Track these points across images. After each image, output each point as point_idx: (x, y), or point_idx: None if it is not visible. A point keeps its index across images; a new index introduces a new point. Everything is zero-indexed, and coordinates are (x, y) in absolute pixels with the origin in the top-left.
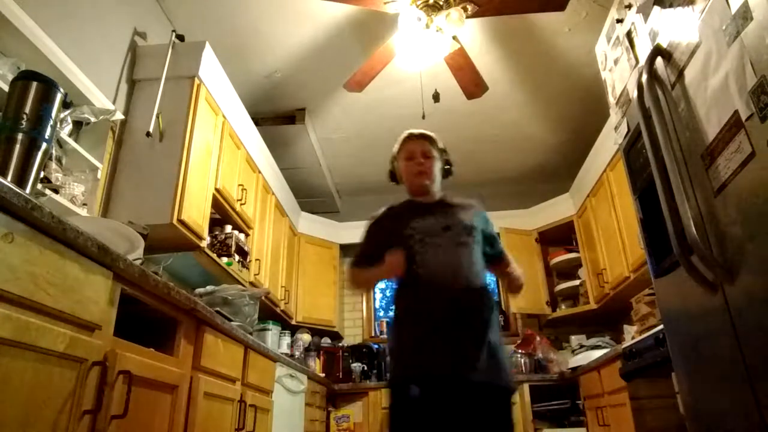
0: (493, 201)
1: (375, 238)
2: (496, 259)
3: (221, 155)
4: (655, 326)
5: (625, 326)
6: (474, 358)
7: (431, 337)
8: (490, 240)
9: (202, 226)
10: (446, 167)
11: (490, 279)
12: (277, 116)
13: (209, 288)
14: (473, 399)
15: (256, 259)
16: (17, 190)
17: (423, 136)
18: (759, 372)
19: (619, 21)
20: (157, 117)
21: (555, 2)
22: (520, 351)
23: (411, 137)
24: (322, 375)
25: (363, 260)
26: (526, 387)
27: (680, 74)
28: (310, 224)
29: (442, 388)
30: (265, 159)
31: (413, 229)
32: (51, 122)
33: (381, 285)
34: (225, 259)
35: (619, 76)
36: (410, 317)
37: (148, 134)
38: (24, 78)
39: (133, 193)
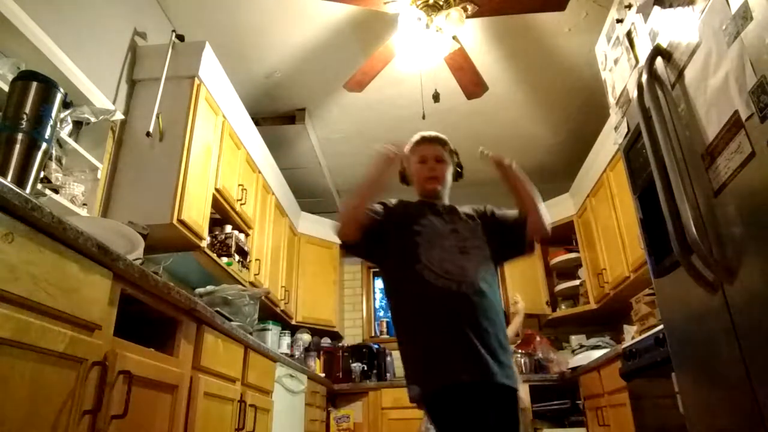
0: (493, 201)
1: (386, 209)
2: (520, 219)
3: (221, 155)
4: (655, 326)
5: (625, 326)
6: (490, 361)
7: (450, 343)
8: (504, 226)
9: (202, 226)
10: (457, 170)
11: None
12: (277, 116)
13: (209, 288)
14: (494, 402)
15: (256, 259)
16: (17, 190)
17: (437, 140)
18: (759, 372)
19: (619, 21)
20: (157, 117)
21: (555, 2)
22: (520, 351)
23: (424, 140)
24: (322, 375)
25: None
26: (526, 387)
27: (680, 74)
28: (310, 224)
29: (470, 395)
30: (265, 159)
31: (422, 226)
32: (51, 122)
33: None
34: (225, 259)
35: (619, 76)
36: (421, 322)
37: (148, 134)
38: (24, 78)
39: (133, 193)
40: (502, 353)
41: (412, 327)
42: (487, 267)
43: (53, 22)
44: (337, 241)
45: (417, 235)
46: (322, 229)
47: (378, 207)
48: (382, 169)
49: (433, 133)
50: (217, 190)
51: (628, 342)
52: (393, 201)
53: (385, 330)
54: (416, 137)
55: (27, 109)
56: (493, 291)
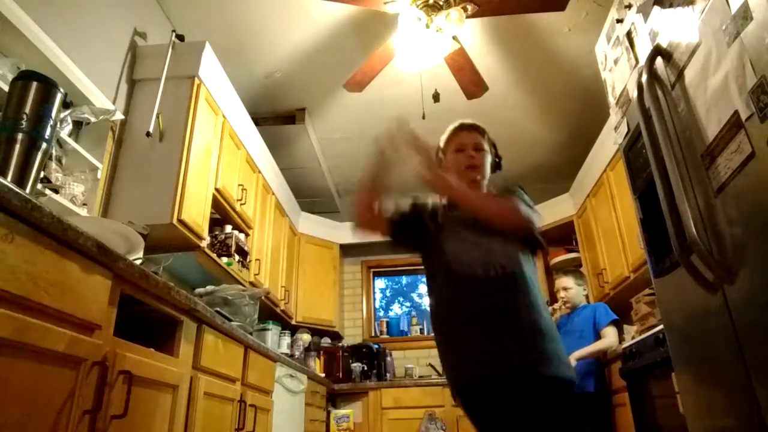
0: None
1: (417, 204)
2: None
3: (221, 155)
4: (655, 326)
5: (625, 326)
6: (494, 351)
7: (459, 334)
8: None
9: (202, 226)
10: (496, 161)
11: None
12: (277, 116)
13: (209, 288)
14: (497, 397)
15: (256, 259)
16: (17, 190)
17: (475, 128)
18: (759, 372)
19: (619, 21)
20: (157, 117)
21: (555, 2)
22: None
23: (462, 128)
24: (322, 375)
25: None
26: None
27: (680, 74)
28: (310, 224)
29: (471, 394)
30: (265, 159)
31: (446, 218)
32: (51, 122)
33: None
34: (225, 259)
35: (619, 76)
36: (439, 312)
37: (148, 134)
38: (24, 78)
39: (133, 193)
40: (523, 341)
41: (434, 317)
42: (502, 251)
43: (53, 22)
44: (338, 241)
45: (441, 230)
46: (322, 229)
47: (405, 206)
48: (378, 172)
49: (471, 121)
50: (217, 190)
51: (628, 342)
52: (429, 202)
53: (385, 330)
54: (453, 125)
55: (27, 109)
56: (506, 274)
